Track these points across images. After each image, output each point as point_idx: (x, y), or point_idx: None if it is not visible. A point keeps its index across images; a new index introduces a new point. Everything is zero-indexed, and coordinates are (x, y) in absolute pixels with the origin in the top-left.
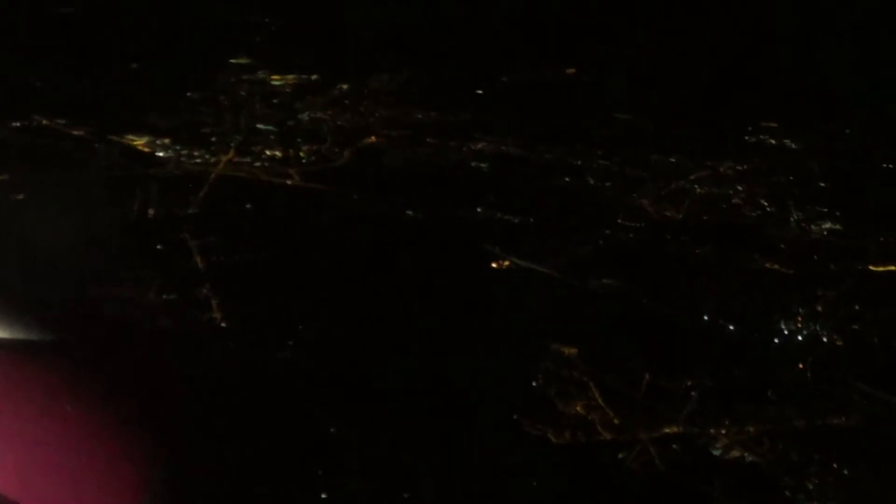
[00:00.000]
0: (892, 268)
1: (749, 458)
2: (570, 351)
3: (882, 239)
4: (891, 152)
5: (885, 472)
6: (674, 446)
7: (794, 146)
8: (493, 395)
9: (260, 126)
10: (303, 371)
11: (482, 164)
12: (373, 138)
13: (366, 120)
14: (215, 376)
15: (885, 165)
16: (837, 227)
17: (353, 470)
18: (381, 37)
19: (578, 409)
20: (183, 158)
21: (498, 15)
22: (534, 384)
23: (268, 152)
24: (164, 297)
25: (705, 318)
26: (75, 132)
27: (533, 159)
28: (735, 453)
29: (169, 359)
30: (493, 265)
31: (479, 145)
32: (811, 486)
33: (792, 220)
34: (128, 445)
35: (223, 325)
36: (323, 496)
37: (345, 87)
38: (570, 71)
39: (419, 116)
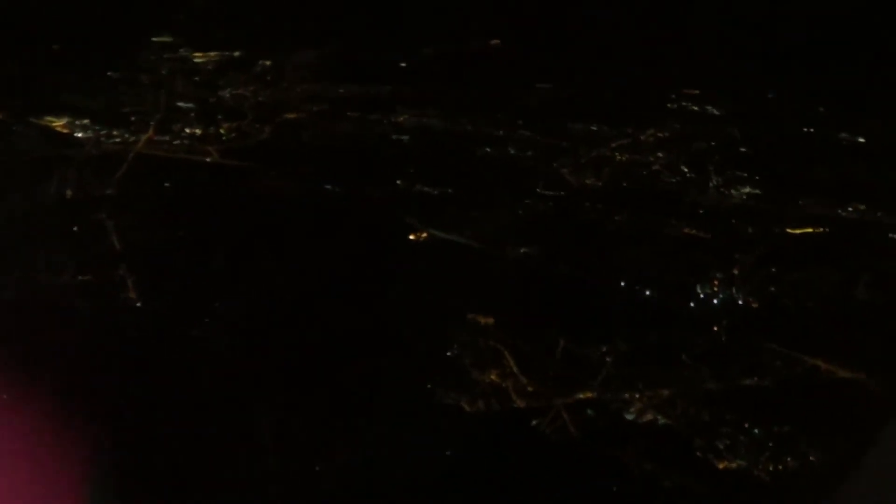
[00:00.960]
0: (810, 230)
1: (662, 420)
2: (486, 320)
3: (800, 202)
4: (811, 116)
5: (795, 431)
6: (588, 411)
7: (715, 112)
8: (407, 366)
9: (180, 104)
10: (218, 348)
11: (403, 137)
12: (293, 114)
13: (287, 95)
14: (131, 355)
15: (805, 129)
16: (757, 191)
17: (266, 443)
18: (305, 11)
19: (493, 377)
20: (102, 139)
21: None
22: (449, 354)
23: (187, 130)
24: (80, 278)
25: (622, 284)
26: None
27: (454, 130)
28: (648, 417)
29: (83, 340)
30: (412, 237)
31: (401, 118)
32: (722, 447)
33: (711, 185)
34: (52, 428)
35: (138, 304)
36: (237, 470)
37: (267, 63)
38: (495, 42)
39: (341, 91)
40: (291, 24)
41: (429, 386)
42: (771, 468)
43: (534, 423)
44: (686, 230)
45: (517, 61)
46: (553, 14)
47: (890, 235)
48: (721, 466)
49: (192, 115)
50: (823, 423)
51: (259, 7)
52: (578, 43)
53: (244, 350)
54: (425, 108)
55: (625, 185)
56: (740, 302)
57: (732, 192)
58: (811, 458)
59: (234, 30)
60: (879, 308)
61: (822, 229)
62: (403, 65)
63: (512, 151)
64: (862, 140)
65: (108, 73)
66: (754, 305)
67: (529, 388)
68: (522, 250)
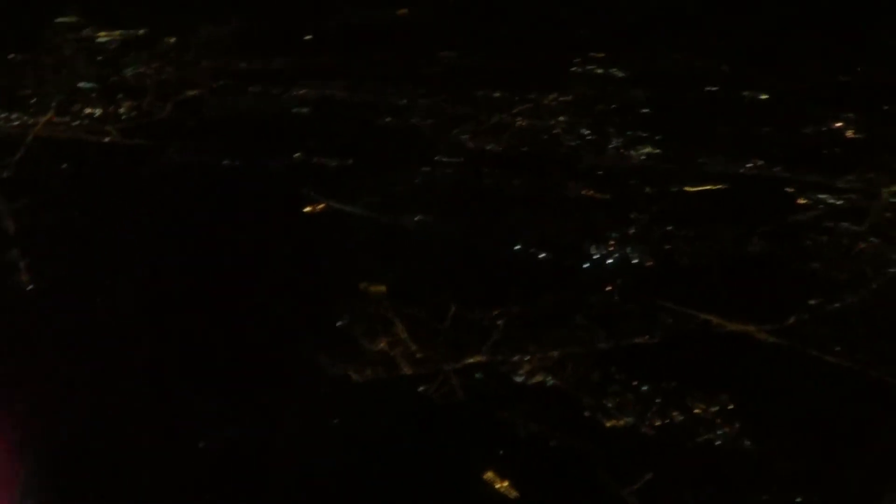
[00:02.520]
0: (708, 187)
1: (551, 381)
2: (378, 289)
3: (700, 160)
4: (716, 75)
5: (682, 385)
6: (476, 375)
7: (620, 75)
8: (295, 338)
9: (82, 84)
10: (111, 328)
11: (303, 110)
12: (195, 90)
13: (190, 72)
14: (22, 338)
15: (708, 88)
16: (657, 151)
17: (156, 419)
18: None
19: (382, 345)
20: (0, 122)
21: None
22: (339, 324)
23: (87, 110)
24: None
25: (517, 247)
26: None
27: (357, 102)
28: (538, 378)
29: None
30: (307, 209)
31: (303, 91)
32: (610, 405)
33: (611, 146)
34: None
35: (30, 287)
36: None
37: (172, 40)
38: (402, 12)
39: (244, 65)
40: (198, 0)
41: (318, 358)
42: (658, 423)
43: (421, 388)
44: (584, 192)
45: (424, 30)
46: None
47: (786, 189)
48: (608, 424)
49: (94, 95)
50: (710, 376)
51: None
52: (486, 10)
53: (138, 329)
54: (328, 79)
55: (525, 149)
56: (635, 261)
57: (632, 152)
58: (696, 412)
59: (139, 8)
60: (771, 260)
61: (720, 186)
62: (308, 37)
63: (414, 120)
64: (764, 97)
65: (9, 56)
66: (649, 264)
67: (418, 355)
68: (417, 218)
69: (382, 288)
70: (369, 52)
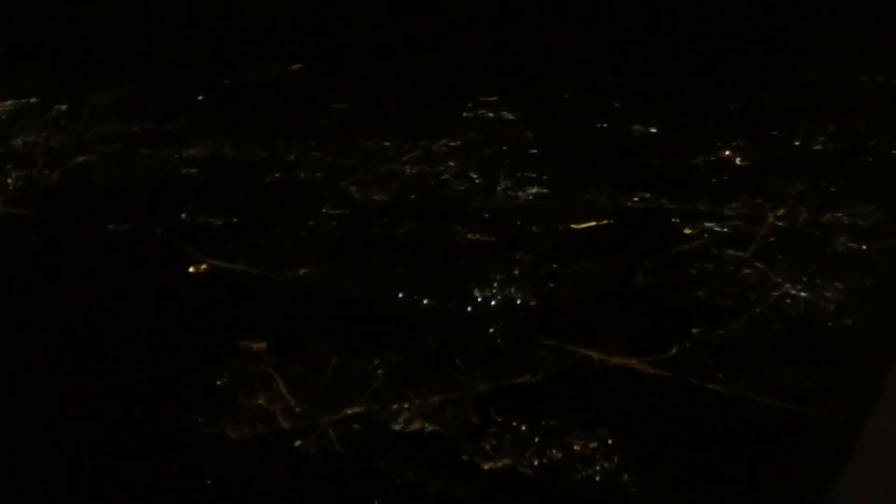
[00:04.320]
0: (593, 223)
1: (430, 428)
2: (258, 345)
3: (587, 197)
4: (606, 112)
5: (561, 423)
6: (355, 426)
7: (510, 117)
8: (175, 399)
9: None
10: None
11: (192, 170)
12: (84, 156)
13: (81, 138)
14: None
15: (598, 125)
16: (544, 190)
17: (36, 473)
18: (104, 53)
19: (261, 401)
20: None
21: (223, 19)
22: (219, 383)
23: None
24: None
25: (400, 295)
26: None
27: (246, 159)
28: (416, 425)
29: None
30: (191, 269)
31: (193, 151)
32: (488, 447)
33: (499, 188)
34: None
35: None
36: None
37: (63, 107)
38: (296, 67)
39: (136, 129)
40: (89, 66)
41: (196, 419)
42: (535, 462)
43: (297, 443)
44: (470, 235)
45: (318, 84)
46: (354, 35)
47: (673, 220)
48: (486, 467)
49: None
50: (590, 412)
51: (56, 52)
52: (381, 60)
53: (29, 394)
54: (219, 138)
55: (412, 196)
56: (518, 301)
57: (520, 193)
58: (575, 448)
59: (30, 76)
60: (656, 291)
61: (605, 221)
62: (201, 97)
63: (302, 174)
64: (654, 130)
65: None
66: (532, 303)
67: (297, 409)
68: (302, 272)
69: (263, 344)
70: (261, 109)
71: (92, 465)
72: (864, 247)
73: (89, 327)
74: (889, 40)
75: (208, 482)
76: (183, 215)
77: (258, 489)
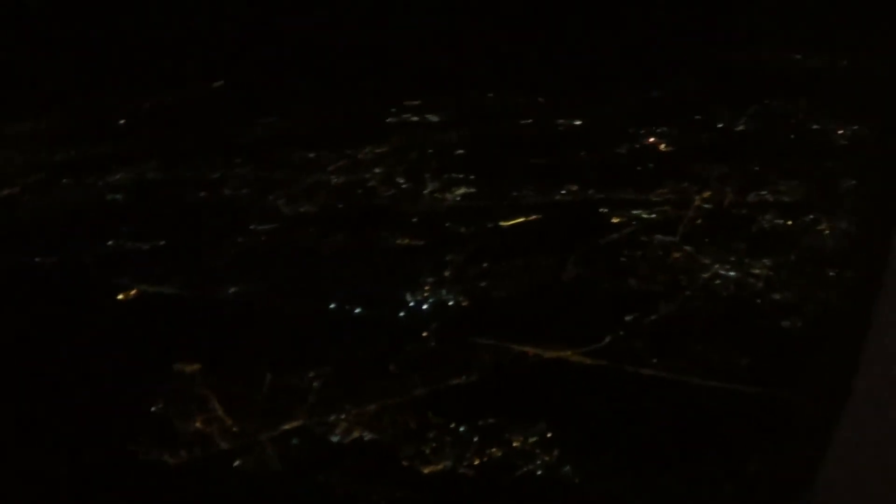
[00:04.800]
0: (522, 219)
1: (368, 436)
2: (192, 367)
3: (515, 194)
4: (531, 108)
5: (500, 421)
6: (293, 441)
7: (435, 119)
8: (109, 429)
9: None
10: None
11: (117, 196)
12: (7, 189)
13: (3, 171)
14: None
15: (523, 121)
16: (472, 190)
17: None
18: (20, 83)
19: (198, 424)
20: None
21: (141, 39)
22: (153, 409)
23: None
24: None
25: (332, 306)
26: None
27: (171, 180)
28: (355, 435)
29: None
30: (121, 297)
31: (117, 176)
32: (428, 451)
33: (426, 192)
34: None
35: None
36: None
37: None
38: (218, 84)
39: (57, 158)
40: (3, 97)
41: (131, 447)
42: (476, 462)
43: (237, 463)
44: (399, 241)
45: (241, 99)
46: (275, 47)
47: (601, 210)
48: (426, 471)
49: None
50: (528, 407)
51: None
52: (303, 71)
53: None
54: (142, 161)
55: (340, 206)
56: (451, 303)
57: (447, 195)
58: (514, 445)
59: None
60: (587, 282)
61: (534, 217)
62: (122, 121)
63: (227, 192)
64: (579, 122)
65: None
66: (465, 304)
67: (234, 429)
68: (232, 290)
69: (197, 366)
70: (184, 128)
71: (25, 500)
72: (790, 222)
73: (19, 363)
74: (802, 20)
75: None
76: (110, 242)
77: None
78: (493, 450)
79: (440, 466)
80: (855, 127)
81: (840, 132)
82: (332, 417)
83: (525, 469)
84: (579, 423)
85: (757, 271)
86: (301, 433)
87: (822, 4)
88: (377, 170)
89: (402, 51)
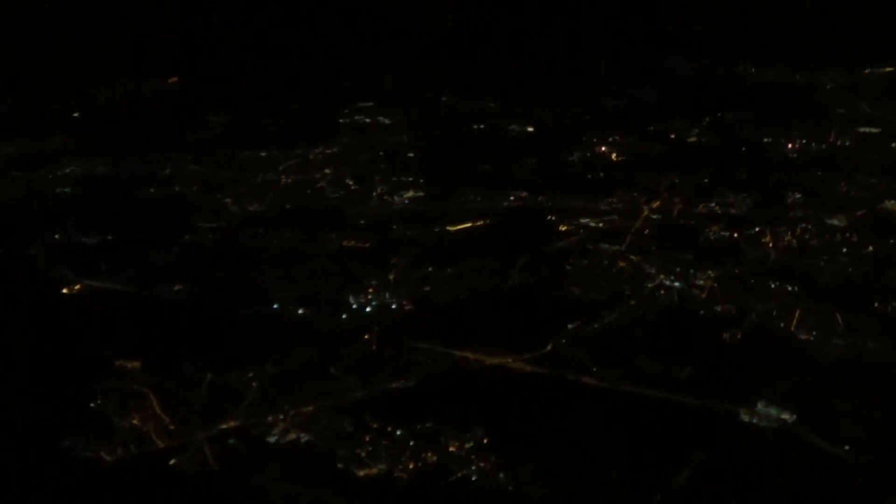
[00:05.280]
0: (469, 224)
1: (305, 438)
2: (132, 365)
3: (463, 199)
4: (483, 113)
5: (436, 425)
6: (230, 441)
7: (387, 122)
8: (48, 424)
9: None
10: None
11: (66, 189)
12: None
13: None
14: None
15: (475, 126)
16: (420, 193)
17: None
18: None
19: (135, 421)
20: None
21: (98, 34)
22: (92, 405)
23: None
24: None
25: (275, 306)
26: None
27: (121, 175)
28: (291, 436)
29: None
30: (65, 291)
31: (67, 170)
32: (364, 454)
33: (375, 194)
34: None
35: None
36: None
37: None
38: (173, 80)
39: (9, 150)
40: None
41: (67, 443)
42: (411, 466)
43: (172, 461)
44: (345, 243)
45: (195, 97)
46: (230, 47)
47: (549, 218)
48: (361, 474)
49: None
50: (466, 413)
51: None
52: (258, 71)
53: None
54: (94, 156)
55: (288, 206)
56: (394, 306)
57: (395, 198)
58: (450, 450)
59: None
60: (532, 290)
61: (481, 222)
62: (76, 115)
63: (177, 188)
64: (530, 129)
65: None
66: (407, 307)
67: (171, 427)
68: (176, 288)
69: (137, 363)
70: (137, 124)
71: None
72: (735, 234)
73: None
74: (755, 33)
75: None
76: (56, 236)
77: None
78: (429, 454)
79: (375, 470)
80: (804, 141)
81: (790, 146)
82: (270, 418)
83: (459, 474)
84: (517, 430)
85: (701, 283)
86: (238, 433)
87: (777, 21)
88: (327, 170)
89: (357, 53)
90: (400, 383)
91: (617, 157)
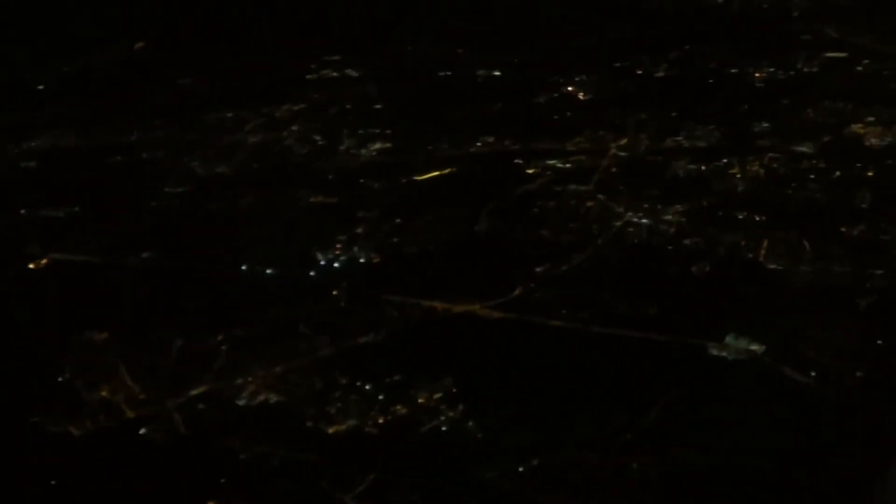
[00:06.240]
0: (436, 173)
1: (274, 399)
2: (100, 336)
3: (430, 148)
4: (450, 60)
5: (405, 378)
6: (200, 406)
7: (355, 74)
8: (17, 400)
9: None
10: None
11: (31, 163)
12: None
13: None
14: None
15: (442, 73)
16: (387, 145)
17: None
18: None
19: (104, 393)
20: None
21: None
22: (60, 379)
23: None
24: None
25: (244, 268)
26: None
27: (88, 146)
28: (261, 398)
29: None
30: (32, 266)
31: (33, 143)
32: (333, 411)
33: (342, 148)
34: None
35: None
36: None
37: None
38: (139, 46)
39: None
40: None
41: (35, 418)
42: (381, 420)
43: (142, 431)
44: (313, 199)
45: (162, 61)
46: (196, 8)
47: (516, 161)
48: (331, 431)
49: None
50: (435, 364)
51: None
52: (223, 30)
53: None
54: (60, 127)
55: (255, 166)
56: (362, 260)
57: (363, 151)
58: (420, 401)
59: None
60: (499, 235)
61: (449, 170)
62: (41, 87)
63: (144, 155)
64: (498, 73)
65: None
66: (376, 260)
67: (141, 396)
68: (145, 255)
69: (105, 334)
70: (103, 92)
71: None
72: (703, 167)
73: None
74: None
75: (52, 483)
76: (23, 210)
77: (103, 485)
78: (398, 407)
79: (344, 426)
80: (771, 69)
81: (757, 75)
82: (240, 381)
83: (429, 426)
84: (485, 378)
85: (669, 217)
86: (208, 398)
87: None
88: (294, 127)
89: (323, 6)
90: (369, 338)
91: (584, 96)
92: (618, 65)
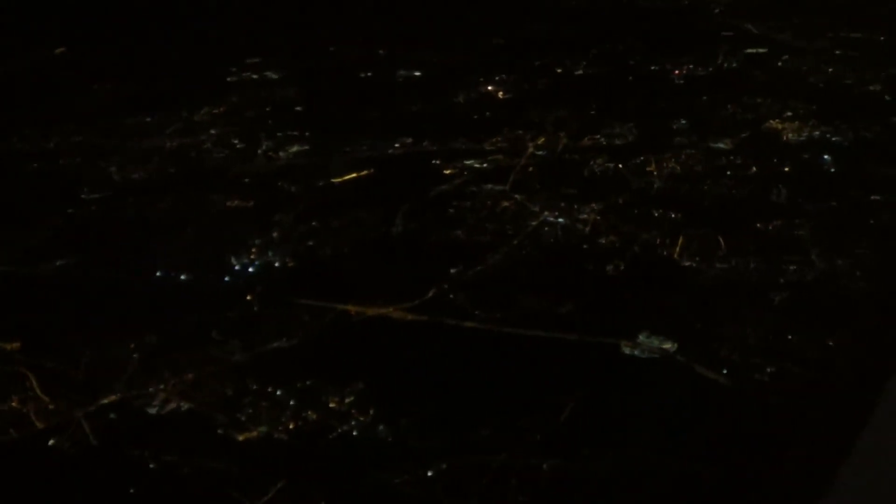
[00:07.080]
0: (354, 175)
1: (185, 406)
2: (12, 346)
3: (348, 149)
4: (369, 61)
5: (317, 383)
6: (111, 416)
7: (275, 76)
8: None
9: None
10: None
11: None
12: None
13: None
14: None
15: (363, 75)
16: (305, 147)
17: None
18: None
19: (14, 404)
20: None
21: None
22: None
23: None
24: None
25: (158, 274)
26: None
27: (4, 152)
28: (172, 406)
29: None
30: None
31: None
32: (244, 418)
33: (260, 151)
34: None
35: None
36: None
37: None
38: (59, 51)
39: None
40: None
41: None
42: (291, 426)
43: (51, 442)
44: (229, 203)
45: (82, 66)
46: (117, 12)
47: (433, 162)
48: (241, 438)
49: None
50: (347, 368)
51: None
52: (143, 35)
53: None
54: None
55: (172, 171)
56: (276, 264)
57: (281, 153)
58: (331, 406)
59: None
60: (415, 236)
61: (366, 172)
62: None
63: (61, 161)
64: (418, 73)
65: None
66: (290, 264)
67: (51, 407)
68: (58, 263)
69: (16, 344)
70: (22, 98)
71: None
72: (620, 165)
73: None
74: None
75: None
76: None
77: (13, 497)
78: (310, 412)
79: (255, 433)
80: (691, 66)
81: (676, 72)
82: (151, 389)
83: (340, 431)
84: (396, 381)
85: (585, 216)
86: (119, 407)
87: None
88: (212, 131)
89: (243, 8)
90: (282, 342)
91: (503, 95)
92: (538, 63)
